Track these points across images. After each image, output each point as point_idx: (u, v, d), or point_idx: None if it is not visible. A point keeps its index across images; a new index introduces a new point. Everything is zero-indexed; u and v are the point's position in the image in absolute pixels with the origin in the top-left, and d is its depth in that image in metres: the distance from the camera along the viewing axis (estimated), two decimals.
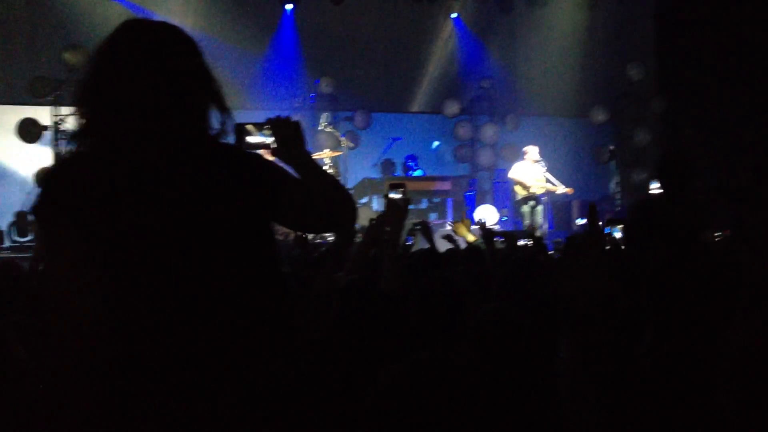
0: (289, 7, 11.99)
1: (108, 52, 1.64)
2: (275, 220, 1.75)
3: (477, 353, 2.44)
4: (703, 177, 5.16)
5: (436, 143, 13.10)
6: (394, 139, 11.48)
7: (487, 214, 10.82)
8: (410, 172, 11.52)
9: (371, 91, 12.42)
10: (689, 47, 11.46)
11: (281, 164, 1.81)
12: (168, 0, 10.86)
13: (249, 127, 1.91)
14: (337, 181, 1.89)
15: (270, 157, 1.85)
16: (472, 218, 11.08)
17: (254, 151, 1.83)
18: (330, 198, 1.78)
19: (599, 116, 12.55)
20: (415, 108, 12.99)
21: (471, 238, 5.36)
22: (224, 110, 1.72)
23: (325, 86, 11.78)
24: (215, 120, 1.71)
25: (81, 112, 1.62)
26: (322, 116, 11.02)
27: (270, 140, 1.90)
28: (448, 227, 8.31)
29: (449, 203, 11.13)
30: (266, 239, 1.70)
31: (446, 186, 11.09)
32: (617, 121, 12.86)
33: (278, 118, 1.91)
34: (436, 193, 11.09)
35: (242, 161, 1.70)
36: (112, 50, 1.63)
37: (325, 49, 12.23)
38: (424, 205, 11.09)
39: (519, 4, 12.74)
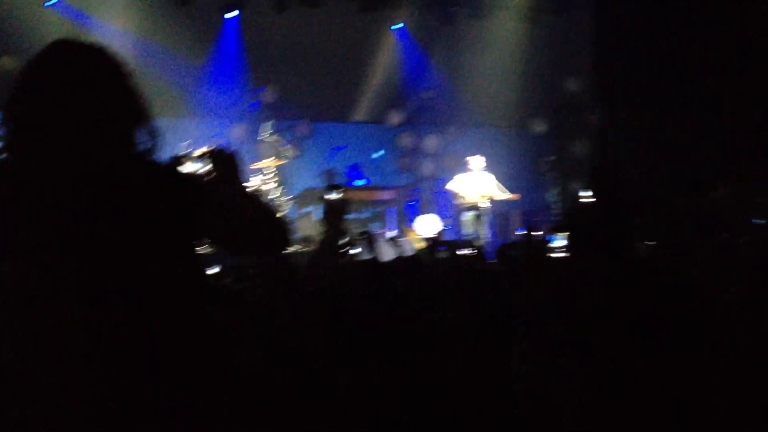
0: (232, 14, 11.91)
1: (35, 70, 1.68)
2: (204, 239, 1.78)
3: (427, 360, 2.46)
4: (633, 187, 5.33)
5: (379, 153, 13.15)
6: (338, 149, 11.48)
7: (430, 224, 10.90)
8: (353, 182, 11.53)
9: (314, 100, 12.40)
10: (627, 60, 11.76)
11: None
12: (108, 6, 10.70)
13: (184, 156, 1.93)
14: (271, 209, 1.92)
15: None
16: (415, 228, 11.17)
17: (184, 173, 1.84)
18: (262, 226, 1.82)
19: (539, 127, 12.77)
20: (358, 117, 13.01)
21: (420, 247, 5.42)
22: (151, 131, 1.74)
23: (268, 95, 11.72)
24: (144, 140, 1.73)
25: (5, 124, 1.64)
26: (265, 125, 10.96)
27: (205, 169, 1.92)
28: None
29: (392, 213, 11.17)
30: (185, 257, 1.71)
31: (389, 195, 11.13)
32: (557, 132, 13.09)
33: (216, 148, 1.94)
34: (378, 202, 11.12)
35: (167, 180, 1.71)
36: (40, 68, 1.68)
37: (269, 58, 12.17)
38: (367, 214, 11.11)
39: (461, 16, 12.89)
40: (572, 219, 4.70)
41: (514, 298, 3.56)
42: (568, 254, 3.99)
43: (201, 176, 1.89)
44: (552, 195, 12.19)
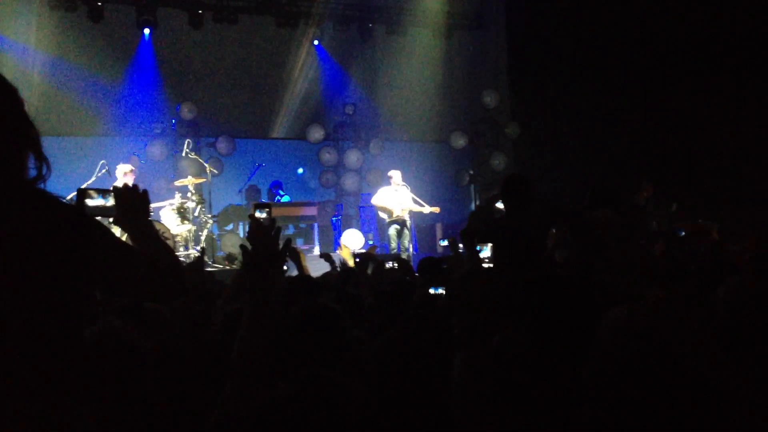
0: (147, 31, 11.72)
1: None
2: (90, 280, 1.69)
3: (366, 377, 2.47)
4: (546, 197, 5.48)
5: (300, 169, 13.15)
6: (258, 166, 11.43)
7: (353, 239, 10.94)
8: (276, 198, 11.48)
9: (234, 117, 12.32)
10: (540, 75, 12.11)
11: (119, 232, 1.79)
12: (20, 24, 10.40)
13: (91, 191, 1.90)
14: (172, 251, 1.85)
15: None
16: (337, 243, 11.18)
17: (74, 208, 1.76)
18: (158, 267, 1.74)
19: (458, 141, 12.99)
20: (279, 134, 12.99)
21: (351, 263, 5.43)
22: (40, 157, 1.65)
23: (186, 112, 11.57)
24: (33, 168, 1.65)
25: None
26: (184, 143, 10.81)
27: (108, 203, 1.90)
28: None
29: (315, 228, 11.17)
30: (68, 295, 1.61)
31: (312, 211, 11.12)
32: (475, 145, 13.35)
33: (125, 186, 1.90)
34: (302, 218, 11.11)
35: (56, 210, 1.62)
36: None
37: (186, 75, 12.05)
38: (290, 230, 11.08)
39: (378, 33, 13.04)
40: (489, 229, 4.77)
41: (446, 311, 3.62)
42: (491, 264, 4.06)
43: (109, 211, 1.84)
44: (473, 207, 12.42)
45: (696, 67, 9.81)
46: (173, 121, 11.67)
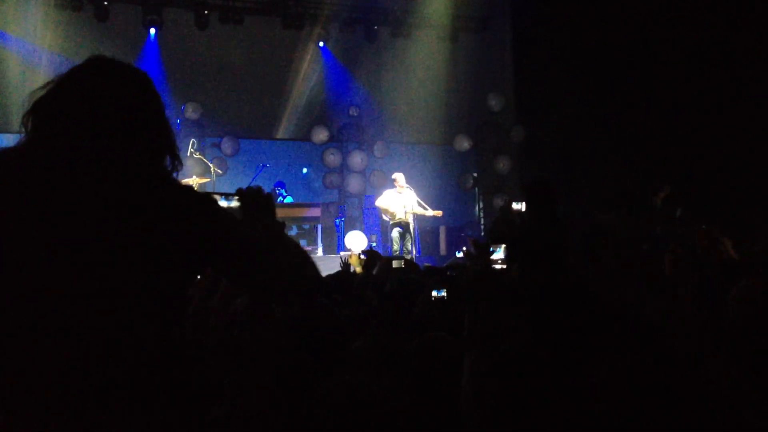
0: (153, 31, 11.75)
1: (71, 79, 1.65)
2: (218, 271, 1.72)
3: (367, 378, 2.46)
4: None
5: (305, 170, 13.15)
6: (263, 166, 11.43)
7: (357, 241, 10.93)
8: (279, 199, 11.48)
9: (239, 118, 12.33)
10: (545, 78, 12.09)
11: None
12: (25, 23, 10.42)
13: (214, 195, 1.86)
14: (305, 254, 1.78)
15: None
16: (341, 245, 11.18)
17: (207, 195, 1.74)
18: (289, 270, 1.71)
19: (463, 144, 12.99)
20: (283, 135, 12.99)
21: (359, 269, 5.41)
22: (175, 157, 1.70)
23: (191, 112, 11.59)
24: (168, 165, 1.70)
25: (27, 121, 1.61)
26: (189, 142, 10.81)
27: (233, 205, 1.86)
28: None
29: (319, 230, 11.16)
30: (179, 286, 1.62)
31: (316, 213, 11.12)
32: (479, 149, 13.35)
33: (249, 188, 1.88)
34: (305, 219, 11.09)
35: (188, 198, 1.63)
36: (75, 78, 1.65)
37: (191, 75, 12.06)
38: (293, 231, 11.08)
39: (383, 35, 13.04)
40: (508, 231, 4.74)
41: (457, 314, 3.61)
42: (504, 266, 4.03)
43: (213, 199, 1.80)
44: (476, 211, 12.42)
45: (704, 70, 9.80)
46: (178, 120, 11.68)
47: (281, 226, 1.86)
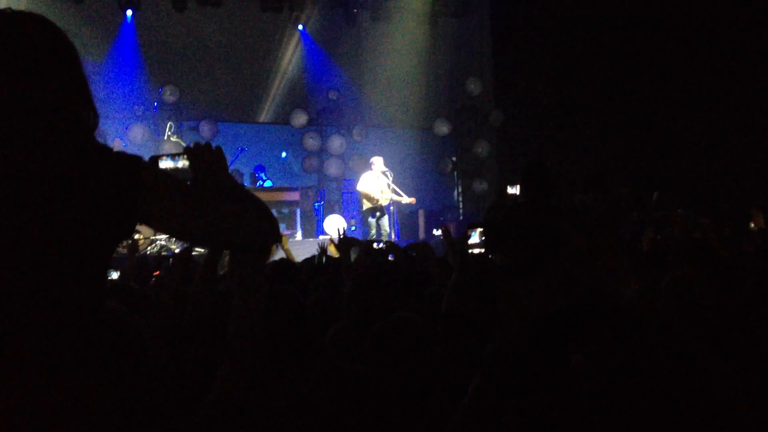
0: (129, 13, 11.62)
1: None
2: (155, 228, 1.67)
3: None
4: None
5: (284, 154, 13.11)
6: (242, 149, 11.39)
7: (336, 224, 10.94)
8: (259, 183, 11.45)
9: (217, 101, 12.26)
10: (524, 63, 12.13)
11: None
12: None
13: (162, 156, 1.82)
14: (261, 205, 1.72)
15: None
16: (320, 229, 11.18)
17: (128, 155, 1.66)
18: (252, 220, 1.66)
19: (441, 128, 13.00)
20: (262, 118, 12.94)
21: (337, 255, 5.42)
22: (91, 109, 1.62)
23: (168, 94, 11.50)
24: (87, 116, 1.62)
25: None
26: (166, 125, 10.75)
27: (183, 165, 1.80)
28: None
29: (298, 213, 11.16)
30: (103, 247, 1.57)
31: (295, 196, 11.10)
32: (458, 133, 13.37)
33: (197, 145, 1.80)
34: (284, 203, 11.08)
35: (109, 163, 1.57)
36: None
37: (169, 57, 11.96)
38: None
39: (363, 18, 13.00)
40: (497, 217, 4.69)
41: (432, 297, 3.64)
42: (483, 250, 4.00)
43: (185, 174, 1.76)
44: (455, 195, 12.47)
45: (683, 54, 9.87)
46: (155, 103, 11.59)
47: (234, 179, 1.79)
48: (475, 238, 3.86)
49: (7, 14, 1.61)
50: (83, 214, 1.50)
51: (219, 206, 1.64)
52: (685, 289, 2.60)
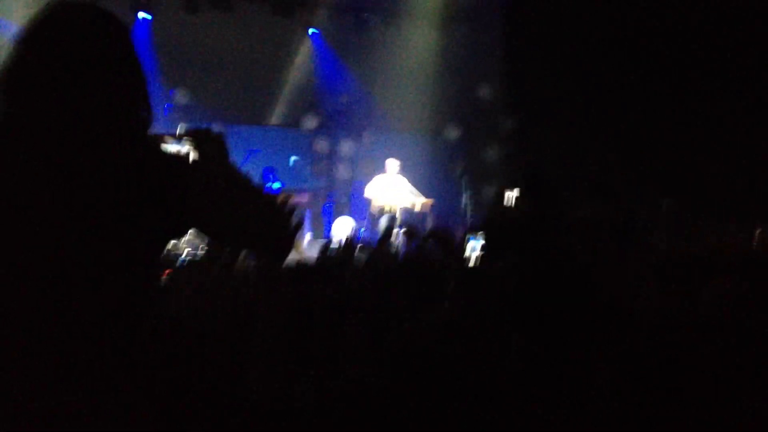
0: (142, 15, 11.67)
1: (33, 34, 1.56)
2: (197, 227, 1.68)
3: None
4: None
5: (294, 157, 13.12)
6: (252, 152, 11.38)
7: (345, 226, 10.95)
8: (268, 185, 11.45)
9: (228, 103, 12.26)
10: (535, 69, 12.10)
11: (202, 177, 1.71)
12: (13, 4, 10.31)
13: (166, 137, 1.80)
14: (267, 194, 1.75)
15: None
16: (329, 232, 11.18)
17: (175, 157, 1.70)
18: (258, 210, 1.67)
19: (452, 133, 12.99)
20: (272, 121, 12.96)
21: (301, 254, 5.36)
22: (149, 110, 1.64)
23: (180, 97, 11.53)
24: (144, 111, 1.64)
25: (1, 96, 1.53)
26: (178, 127, 10.76)
27: (185, 149, 1.77)
28: None
29: (307, 215, 11.17)
30: (157, 247, 1.61)
31: (304, 199, 11.14)
32: (468, 138, 13.34)
33: (198, 128, 1.80)
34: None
35: (158, 165, 1.59)
36: (39, 32, 1.56)
37: (181, 59, 11.97)
38: None
39: (375, 22, 13.00)
40: (497, 219, 4.67)
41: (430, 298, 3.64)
42: (483, 254, 3.98)
43: (186, 158, 1.75)
44: (465, 200, 12.43)
45: (696, 62, 9.84)
46: (167, 105, 11.62)
47: (235, 166, 1.79)
48: (476, 241, 3.83)
49: (70, 5, 1.60)
50: (134, 210, 1.51)
51: (251, 207, 1.66)
52: (735, 300, 2.58)
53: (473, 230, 3.89)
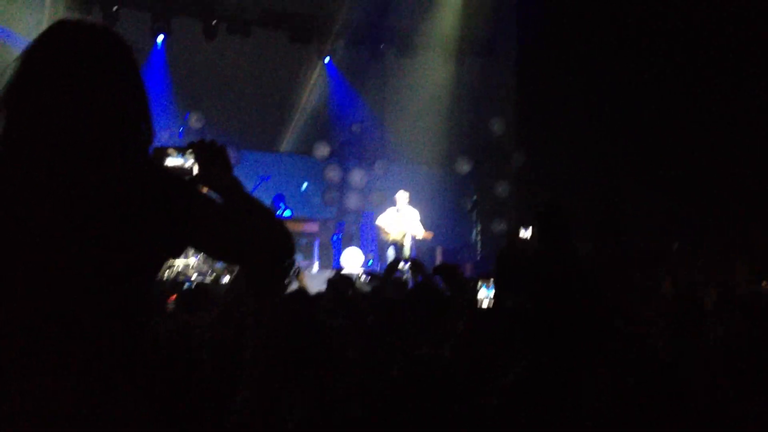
0: (160, 39, 11.79)
1: (38, 52, 1.57)
2: (198, 248, 1.69)
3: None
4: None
5: (304, 185, 13.14)
6: (263, 178, 11.42)
7: (354, 258, 10.93)
8: (278, 213, 11.47)
9: (241, 129, 12.33)
10: (548, 105, 12.14)
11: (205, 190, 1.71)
12: (33, 25, 10.44)
13: (169, 150, 1.78)
14: (268, 210, 1.75)
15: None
16: (337, 261, 11.15)
17: (175, 175, 1.69)
18: (261, 227, 1.67)
19: (463, 167, 13.01)
20: (285, 148, 13.01)
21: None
22: (150, 129, 1.65)
23: (194, 121, 11.61)
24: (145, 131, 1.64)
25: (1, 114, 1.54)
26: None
27: (189, 163, 1.76)
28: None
29: (316, 245, 11.15)
30: (153, 267, 1.61)
31: (314, 228, 11.11)
32: (480, 172, 13.36)
33: (201, 141, 1.79)
34: (303, 234, 11.08)
35: (161, 182, 1.60)
36: (43, 50, 1.57)
37: (196, 84, 12.08)
38: None
39: (389, 53, 13.08)
40: (509, 259, 4.62)
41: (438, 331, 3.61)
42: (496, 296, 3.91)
43: (188, 171, 1.74)
44: (474, 234, 12.41)
45: (707, 97, 9.83)
46: (181, 129, 11.70)
47: (237, 179, 1.78)
48: (485, 291, 3.78)
49: (73, 24, 1.62)
50: (132, 228, 1.52)
51: (250, 223, 1.66)
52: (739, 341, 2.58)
53: (486, 278, 3.84)
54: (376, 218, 10.69)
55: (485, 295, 3.76)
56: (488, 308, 3.68)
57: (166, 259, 1.65)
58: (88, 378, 1.47)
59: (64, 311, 1.47)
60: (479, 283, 3.73)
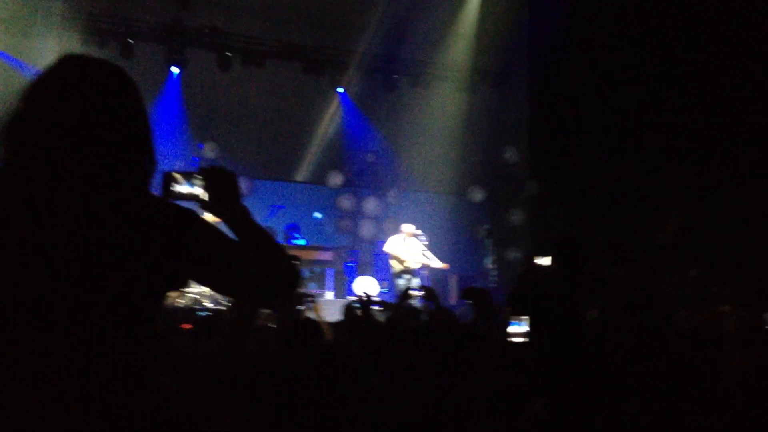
0: (176, 70, 11.94)
1: (42, 84, 1.60)
2: (199, 281, 1.66)
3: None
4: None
5: (318, 214, 13.17)
6: (277, 208, 11.46)
7: (368, 286, 10.90)
8: (292, 241, 11.48)
9: (255, 158, 12.41)
10: (560, 134, 12.15)
11: (212, 219, 1.68)
12: (51, 55, 10.56)
13: (177, 175, 1.75)
14: (275, 242, 1.72)
15: (207, 215, 1.72)
16: (350, 289, 11.14)
17: (182, 204, 1.67)
18: (265, 261, 1.65)
19: (476, 195, 13.01)
20: (298, 177, 13.07)
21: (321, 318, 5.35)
22: (152, 161, 1.65)
23: (208, 150, 11.70)
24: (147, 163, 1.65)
25: (4, 143, 1.56)
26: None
27: (199, 191, 1.73)
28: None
29: (330, 273, 11.14)
30: (155, 299, 1.60)
31: (327, 256, 11.11)
32: (493, 200, 13.36)
33: (212, 168, 1.76)
34: (317, 262, 11.08)
35: (163, 214, 1.60)
36: (47, 82, 1.60)
37: (211, 114, 12.20)
38: (305, 274, 11.06)
39: (403, 83, 13.18)
40: (526, 287, 4.60)
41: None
42: (527, 338, 3.85)
43: (197, 197, 1.72)
44: (488, 262, 12.37)
45: (723, 123, 9.78)
46: (195, 159, 11.78)
47: (246, 208, 1.74)
48: (518, 327, 3.75)
49: (80, 60, 1.66)
50: (128, 260, 1.52)
51: (254, 257, 1.64)
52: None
53: (517, 314, 3.82)
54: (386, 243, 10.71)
55: (516, 330, 3.74)
56: (522, 344, 3.64)
57: (166, 290, 1.64)
58: (92, 410, 1.46)
59: (58, 348, 1.46)
60: (509, 320, 3.70)
